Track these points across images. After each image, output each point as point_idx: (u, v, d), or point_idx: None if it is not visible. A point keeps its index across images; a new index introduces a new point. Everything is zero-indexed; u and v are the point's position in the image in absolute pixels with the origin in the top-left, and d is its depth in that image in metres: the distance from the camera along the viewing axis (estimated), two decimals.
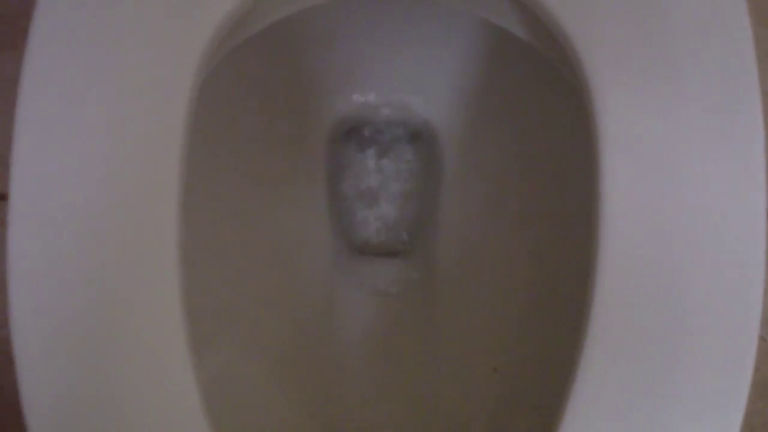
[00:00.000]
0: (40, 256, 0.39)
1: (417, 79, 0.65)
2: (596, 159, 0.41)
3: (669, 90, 0.41)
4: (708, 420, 0.38)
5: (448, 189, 0.66)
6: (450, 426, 0.57)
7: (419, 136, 0.70)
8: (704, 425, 0.38)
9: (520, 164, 0.62)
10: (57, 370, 0.38)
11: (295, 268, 0.63)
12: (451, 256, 0.65)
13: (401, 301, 0.65)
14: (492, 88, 0.63)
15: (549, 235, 0.59)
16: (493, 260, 0.63)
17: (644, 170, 0.40)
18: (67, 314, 0.38)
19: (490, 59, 0.61)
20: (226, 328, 0.55)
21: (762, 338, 0.57)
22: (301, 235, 0.64)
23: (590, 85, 0.41)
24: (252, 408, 0.54)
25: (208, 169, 0.51)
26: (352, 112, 0.67)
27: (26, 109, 0.40)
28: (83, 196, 0.39)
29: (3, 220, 0.40)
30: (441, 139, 0.67)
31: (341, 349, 0.63)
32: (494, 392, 0.57)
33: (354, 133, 0.70)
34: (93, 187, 0.39)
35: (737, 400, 0.39)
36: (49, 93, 0.40)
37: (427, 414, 0.59)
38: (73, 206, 0.39)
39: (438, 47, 0.62)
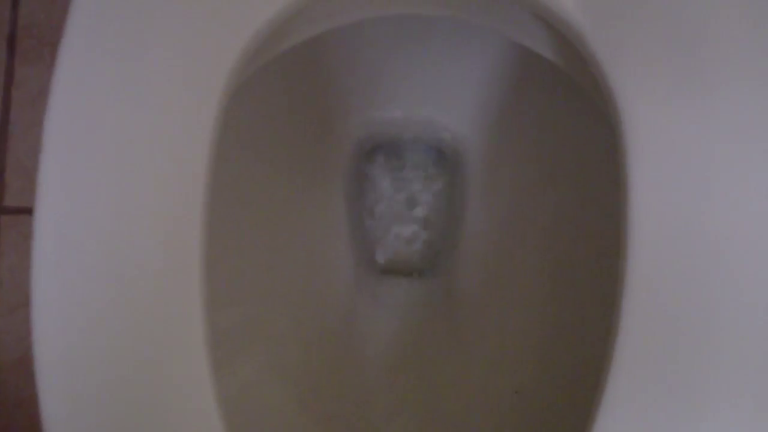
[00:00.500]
0: (63, 271, 0.39)
1: (443, 98, 0.65)
2: (624, 176, 0.40)
3: (700, 103, 0.40)
4: None
5: (471, 208, 0.66)
6: None
7: (444, 155, 0.69)
8: None
9: (545, 183, 0.62)
10: (77, 385, 0.38)
11: (318, 286, 0.63)
12: (473, 275, 0.64)
13: (423, 321, 0.65)
14: (518, 107, 0.63)
15: (572, 256, 0.58)
16: (516, 280, 0.62)
17: (674, 185, 0.39)
18: (89, 330, 0.38)
19: (516, 78, 0.61)
20: (247, 345, 0.55)
21: None
22: (325, 254, 0.64)
23: (616, 97, 0.40)
24: (273, 427, 0.54)
25: (233, 187, 0.51)
26: (377, 129, 0.67)
27: (54, 124, 0.40)
28: (109, 212, 0.39)
29: (29, 234, 0.40)
30: (465, 157, 0.67)
31: (364, 368, 0.62)
32: (515, 414, 0.56)
33: (379, 150, 0.70)
34: (119, 204, 0.39)
35: None
36: (78, 107, 0.40)
37: None
38: (99, 222, 0.39)
39: (464, 66, 0.62)
